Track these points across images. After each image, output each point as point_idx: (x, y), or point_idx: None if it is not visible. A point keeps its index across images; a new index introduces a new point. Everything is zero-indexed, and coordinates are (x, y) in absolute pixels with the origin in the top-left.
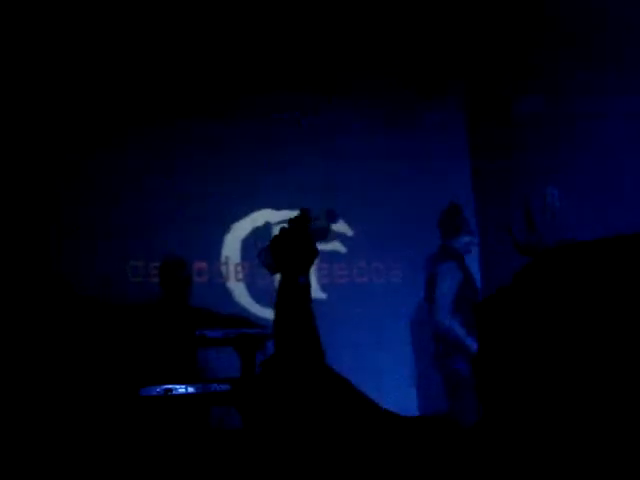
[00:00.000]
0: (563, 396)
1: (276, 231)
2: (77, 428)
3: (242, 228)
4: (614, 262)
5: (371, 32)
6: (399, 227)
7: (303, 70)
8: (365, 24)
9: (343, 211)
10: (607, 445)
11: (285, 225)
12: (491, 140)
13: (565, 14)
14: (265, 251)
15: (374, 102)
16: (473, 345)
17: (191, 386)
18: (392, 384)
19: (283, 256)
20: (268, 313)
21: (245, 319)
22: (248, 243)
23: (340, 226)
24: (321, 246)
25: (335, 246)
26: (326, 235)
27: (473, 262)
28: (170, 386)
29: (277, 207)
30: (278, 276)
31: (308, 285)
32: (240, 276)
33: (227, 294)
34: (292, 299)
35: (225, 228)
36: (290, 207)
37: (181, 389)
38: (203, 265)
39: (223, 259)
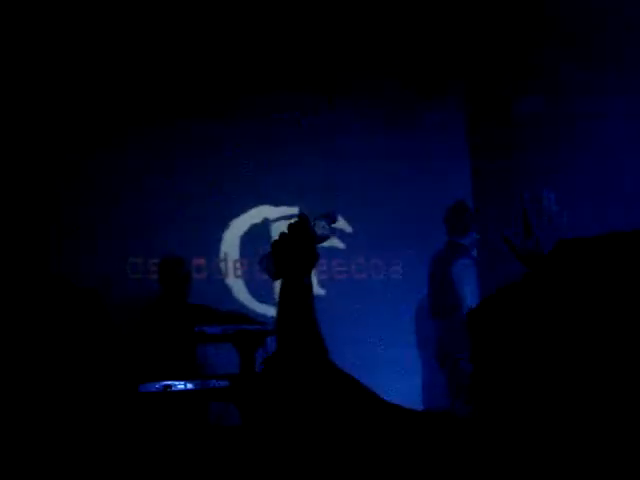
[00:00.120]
0: (552, 396)
1: (274, 228)
2: (75, 425)
3: (241, 225)
4: (598, 276)
5: (371, 32)
6: (398, 225)
7: (303, 70)
8: (365, 24)
9: (342, 208)
10: (590, 437)
11: (285, 230)
12: (491, 140)
13: (565, 14)
14: (267, 257)
15: (374, 102)
16: None
17: (190, 382)
18: (392, 380)
19: (284, 261)
20: (267, 309)
21: (244, 315)
22: (247, 240)
23: (339, 223)
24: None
25: (334, 242)
26: (326, 238)
27: None
28: (169, 382)
29: (276, 204)
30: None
31: (310, 286)
32: (239, 272)
33: (226, 290)
34: (294, 300)
35: (224, 225)
36: (289, 204)
37: (180, 385)
38: (202, 262)
39: (222, 255)
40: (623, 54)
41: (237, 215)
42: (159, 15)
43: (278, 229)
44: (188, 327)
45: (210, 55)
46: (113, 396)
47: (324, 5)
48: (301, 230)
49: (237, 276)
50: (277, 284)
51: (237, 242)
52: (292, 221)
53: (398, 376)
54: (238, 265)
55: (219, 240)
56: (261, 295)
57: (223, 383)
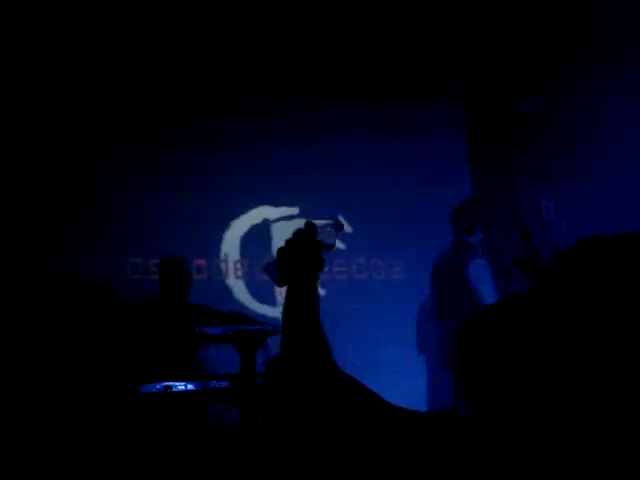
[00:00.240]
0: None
1: (275, 228)
2: (75, 426)
3: (241, 225)
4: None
5: (371, 33)
6: (399, 225)
7: (303, 71)
8: (366, 25)
9: (342, 208)
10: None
11: (290, 236)
12: (491, 140)
13: (565, 14)
14: (272, 264)
15: (374, 102)
16: None
17: (191, 383)
18: (395, 381)
19: (290, 268)
20: (267, 310)
21: (245, 316)
22: (247, 240)
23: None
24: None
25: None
26: (332, 246)
27: None
28: (170, 383)
29: (276, 204)
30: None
31: (316, 293)
32: (239, 273)
33: (226, 291)
34: (300, 307)
35: (224, 225)
36: (289, 204)
37: (181, 386)
38: (202, 262)
39: (222, 256)
40: (624, 55)
41: (237, 216)
42: (160, 16)
43: (278, 229)
44: (188, 327)
45: (211, 56)
46: (117, 396)
47: (324, 7)
48: (307, 237)
49: (237, 277)
50: (278, 288)
51: (237, 243)
52: (298, 228)
53: (401, 377)
54: (238, 266)
55: (219, 241)
56: (261, 296)
57: (223, 384)
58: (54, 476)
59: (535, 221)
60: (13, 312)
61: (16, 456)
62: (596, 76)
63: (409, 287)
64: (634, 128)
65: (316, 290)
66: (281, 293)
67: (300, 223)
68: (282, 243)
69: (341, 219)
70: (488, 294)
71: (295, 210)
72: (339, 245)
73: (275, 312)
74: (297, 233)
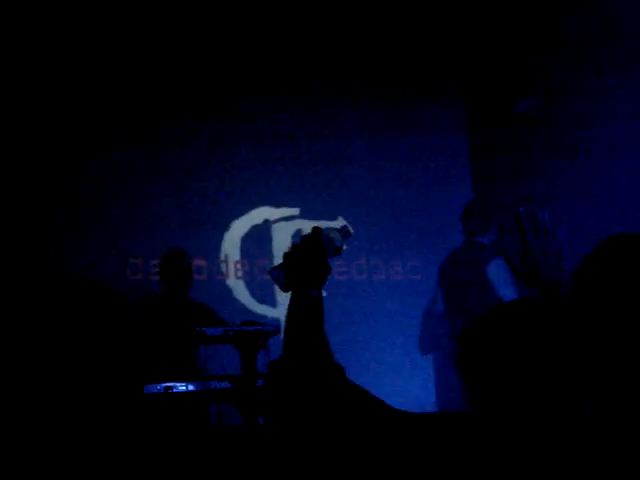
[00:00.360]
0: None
1: (275, 229)
2: (76, 427)
3: (241, 226)
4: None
5: (371, 32)
6: (399, 226)
7: (304, 71)
8: (366, 24)
9: (342, 209)
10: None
11: (297, 241)
12: (491, 140)
13: (564, 14)
14: (278, 268)
15: (374, 101)
16: None
17: (191, 383)
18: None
19: (295, 273)
20: (268, 310)
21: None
22: (247, 241)
23: (339, 222)
24: None
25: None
26: (339, 251)
27: None
28: (170, 384)
29: (276, 205)
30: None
31: (320, 298)
32: (240, 274)
33: (226, 291)
34: (304, 313)
35: (224, 226)
36: (289, 205)
37: (181, 387)
38: (202, 262)
39: (223, 257)
40: (624, 55)
41: (238, 216)
42: (160, 16)
43: (279, 230)
44: (189, 327)
45: (211, 55)
46: (124, 396)
47: (325, 5)
48: (314, 242)
49: (238, 277)
50: (279, 290)
51: (238, 243)
52: (305, 233)
53: (406, 377)
54: (239, 266)
55: (220, 241)
56: (262, 296)
57: (224, 384)
58: (56, 474)
59: (533, 229)
60: (25, 313)
61: (20, 453)
62: (595, 75)
63: (409, 288)
64: (633, 127)
65: (321, 297)
66: (282, 294)
67: (300, 224)
68: (288, 248)
69: (348, 226)
70: (508, 293)
71: (296, 211)
72: None
73: (275, 313)
74: (304, 238)
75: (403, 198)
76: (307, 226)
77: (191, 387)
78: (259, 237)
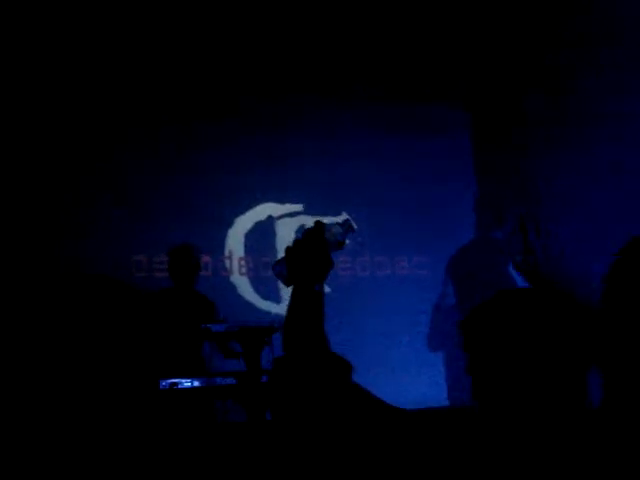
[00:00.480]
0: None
1: (279, 225)
2: (81, 424)
3: (245, 222)
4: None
5: (375, 32)
6: (402, 222)
7: (307, 70)
8: (369, 25)
9: (346, 206)
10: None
11: (300, 235)
12: (495, 139)
13: (568, 14)
14: (281, 263)
15: (377, 101)
16: None
17: (196, 380)
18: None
19: (298, 267)
20: (272, 307)
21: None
22: (252, 237)
23: (342, 217)
24: None
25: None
26: (341, 246)
27: None
28: (176, 380)
29: (280, 201)
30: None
31: (322, 293)
32: (244, 270)
33: (231, 288)
34: (305, 307)
35: (228, 222)
36: (293, 201)
37: (186, 383)
38: (207, 259)
39: (227, 253)
40: (624, 55)
41: (242, 212)
42: (160, 16)
43: (283, 226)
44: (194, 322)
45: (214, 54)
46: (141, 391)
47: (329, 6)
48: (316, 237)
49: (242, 273)
50: (283, 286)
51: (242, 239)
52: (308, 227)
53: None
54: (243, 263)
55: (224, 237)
56: (266, 292)
57: (229, 380)
58: (62, 468)
59: (534, 230)
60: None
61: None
62: (599, 75)
63: (413, 284)
64: (634, 127)
65: (323, 292)
66: (286, 291)
67: (304, 220)
68: (291, 242)
69: (351, 220)
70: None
71: (299, 207)
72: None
73: (279, 309)
74: (307, 232)
75: (407, 195)
76: (311, 222)
77: (196, 383)
78: (263, 233)
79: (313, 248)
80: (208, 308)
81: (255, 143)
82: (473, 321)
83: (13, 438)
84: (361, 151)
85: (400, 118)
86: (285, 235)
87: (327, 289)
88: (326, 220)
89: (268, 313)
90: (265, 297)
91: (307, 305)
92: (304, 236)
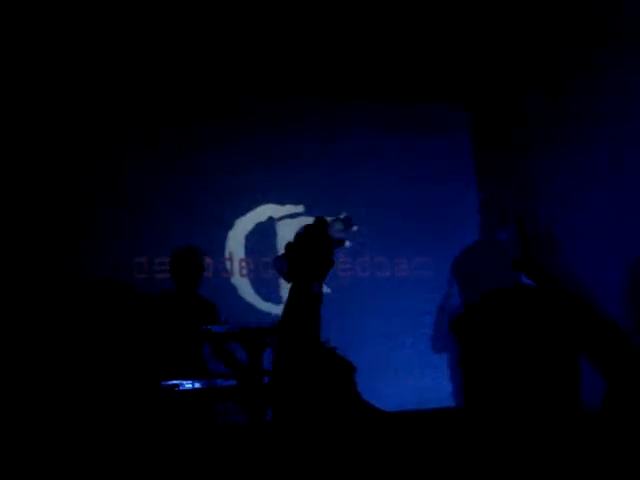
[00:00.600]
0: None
1: (280, 226)
2: (83, 426)
3: (246, 223)
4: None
5: (375, 33)
6: (403, 223)
7: (307, 71)
8: (369, 26)
9: (346, 206)
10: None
11: (301, 231)
12: (494, 140)
13: (567, 13)
14: (281, 258)
15: (377, 102)
16: None
17: (197, 381)
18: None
19: (299, 263)
20: (273, 308)
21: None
22: (252, 239)
23: (343, 215)
24: None
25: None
26: (342, 243)
27: None
28: (177, 381)
29: (281, 202)
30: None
31: (320, 294)
32: (244, 271)
33: (231, 289)
34: (301, 304)
35: (229, 224)
36: (294, 202)
37: (187, 384)
38: (207, 260)
39: (227, 254)
40: (624, 53)
41: (242, 214)
42: (161, 18)
43: (283, 228)
44: (196, 324)
45: (214, 55)
46: (146, 392)
47: (329, 7)
48: (317, 233)
49: (242, 275)
50: (283, 287)
51: (242, 241)
52: (309, 223)
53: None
54: (243, 264)
55: (224, 239)
56: (267, 294)
57: (230, 382)
58: (63, 468)
59: (533, 228)
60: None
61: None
62: (599, 75)
63: (414, 284)
64: (634, 128)
65: (321, 292)
66: (286, 292)
67: (305, 221)
68: (292, 238)
69: (351, 219)
70: None
71: (300, 208)
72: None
73: (280, 310)
74: (307, 227)
75: (407, 196)
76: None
77: (197, 385)
78: (264, 235)
79: (314, 243)
80: (209, 310)
81: (255, 144)
82: (463, 320)
83: (14, 438)
84: (361, 151)
85: (400, 118)
86: (286, 236)
87: (327, 290)
88: (328, 218)
89: (269, 314)
90: (266, 298)
91: (304, 303)
92: (305, 231)
